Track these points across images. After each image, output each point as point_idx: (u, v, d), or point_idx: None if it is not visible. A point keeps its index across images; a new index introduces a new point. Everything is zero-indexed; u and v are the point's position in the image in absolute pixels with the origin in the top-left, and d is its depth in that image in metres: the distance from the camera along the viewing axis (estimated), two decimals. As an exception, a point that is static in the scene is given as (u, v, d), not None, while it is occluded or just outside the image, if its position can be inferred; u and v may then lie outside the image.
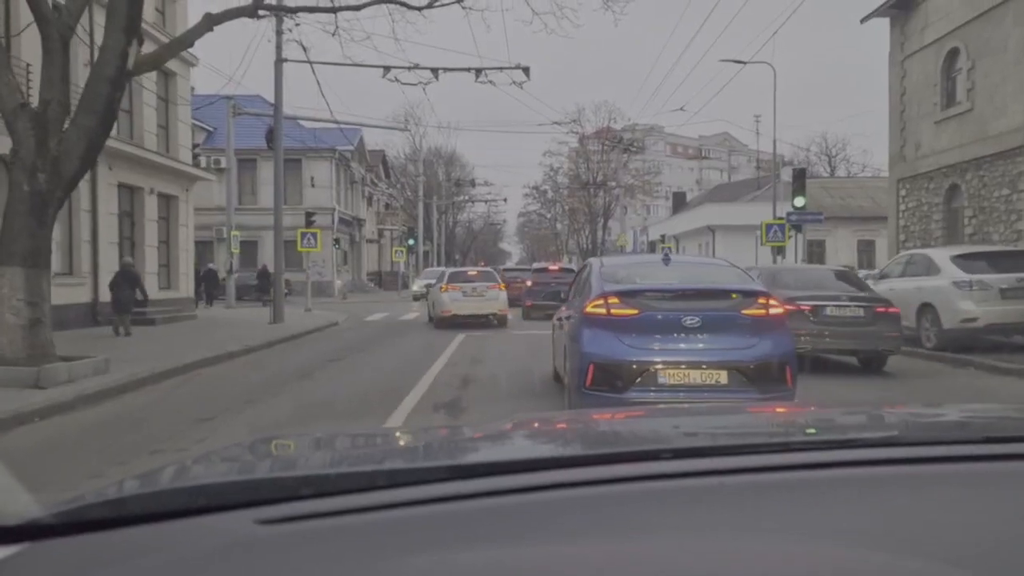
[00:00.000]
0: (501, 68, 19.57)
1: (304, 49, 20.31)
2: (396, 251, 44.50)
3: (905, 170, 21.84)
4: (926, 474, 1.10)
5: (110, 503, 1.03)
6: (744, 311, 6.49)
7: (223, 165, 39.98)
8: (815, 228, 29.15)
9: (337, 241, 37.83)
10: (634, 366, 6.24)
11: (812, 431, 1.61)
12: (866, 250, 41.86)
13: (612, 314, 6.44)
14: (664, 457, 1.13)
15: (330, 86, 76.09)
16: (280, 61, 19.61)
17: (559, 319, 8.47)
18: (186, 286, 22.68)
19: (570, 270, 22.91)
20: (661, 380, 6.22)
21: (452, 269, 23.73)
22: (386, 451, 1.56)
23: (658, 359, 6.27)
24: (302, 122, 40.01)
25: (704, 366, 6.26)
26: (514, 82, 19.41)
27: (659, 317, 6.40)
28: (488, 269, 23.07)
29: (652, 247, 53.97)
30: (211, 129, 37.63)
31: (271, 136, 19.88)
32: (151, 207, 20.45)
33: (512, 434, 1.62)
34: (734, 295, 6.64)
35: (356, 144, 45.74)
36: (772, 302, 6.64)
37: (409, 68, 19.55)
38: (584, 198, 62.31)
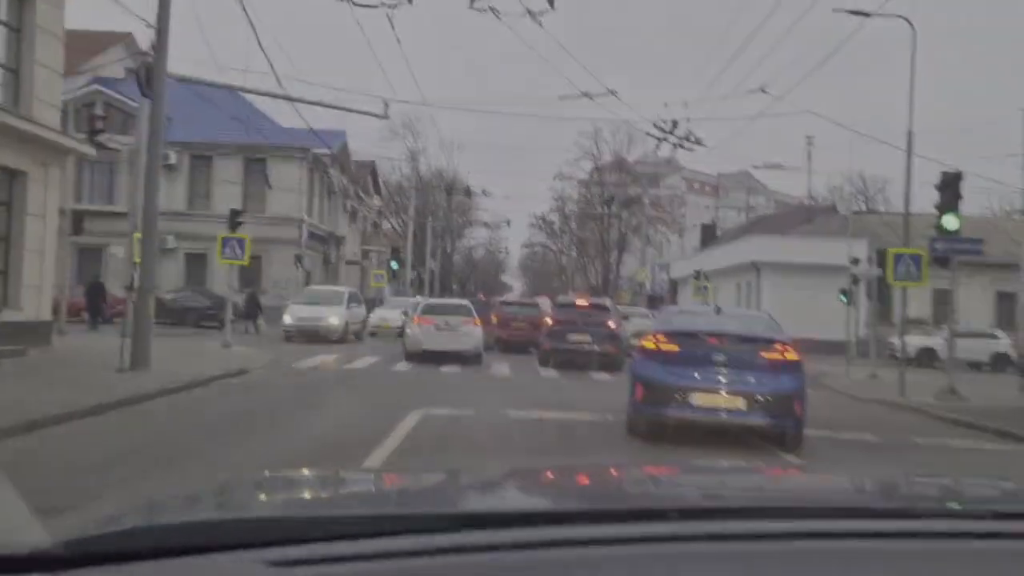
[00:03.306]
0: (509, -10, 12.62)
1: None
2: (375, 275, 37.30)
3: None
4: (932, 549, 1.07)
5: (121, 536, 1.02)
6: (762, 353, 8.04)
7: (171, 161, 33.38)
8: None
9: (299, 259, 30.51)
10: (673, 388, 7.88)
11: (822, 498, 1.55)
12: (942, 301, 34.73)
13: (660, 348, 8.23)
14: (671, 518, 1.12)
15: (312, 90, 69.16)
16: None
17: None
18: (36, 306, 15.51)
19: (603, 307, 19.45)
20: (693, 401, 7.82)
21: (428, 301, 22.23)
22: (397, 495, 1.55)
23: (691, 384, 7.86)
24: (272, 117, 33.48)
25: (726, 393, 7.84)
26: (529, 12, 12.48)
27: (695, 353, 8.05)
28: (464, 302, 21.02)
29: (674, 285, 47.51)
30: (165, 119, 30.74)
31: (147, 80, 12.75)
32: (-33, 183, 13.44)
33: (521, 486, 1.58)
34: (757, 341, 8.21)
35: (338, 149, 38.81)
36: (788, 349, 8.12)
37: (367, -16, 12.65)
38: (597, 229, 56.19)
